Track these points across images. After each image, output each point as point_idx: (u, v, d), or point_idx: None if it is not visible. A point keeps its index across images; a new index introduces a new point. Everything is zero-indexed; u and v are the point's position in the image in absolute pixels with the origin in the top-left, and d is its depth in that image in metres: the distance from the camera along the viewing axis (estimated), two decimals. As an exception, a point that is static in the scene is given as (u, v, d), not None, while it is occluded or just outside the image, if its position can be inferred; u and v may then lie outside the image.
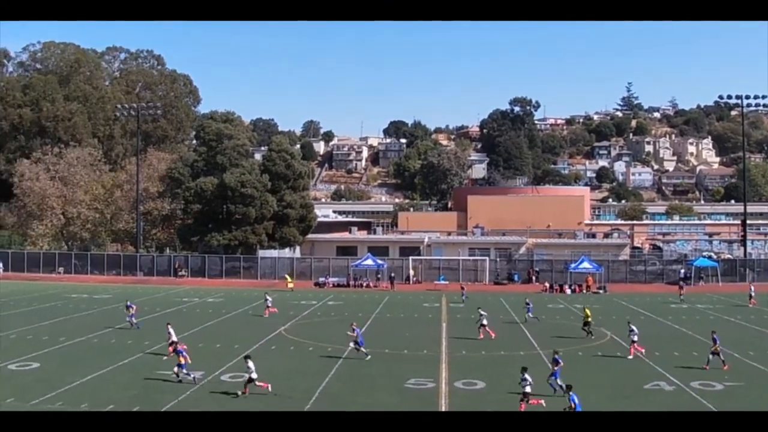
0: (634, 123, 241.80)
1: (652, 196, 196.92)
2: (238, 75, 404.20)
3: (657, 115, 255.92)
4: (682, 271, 69.44)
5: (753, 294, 53.57)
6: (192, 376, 26.46)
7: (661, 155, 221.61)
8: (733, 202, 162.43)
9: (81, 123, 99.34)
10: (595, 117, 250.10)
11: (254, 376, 24.80)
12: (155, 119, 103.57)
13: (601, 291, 63.58)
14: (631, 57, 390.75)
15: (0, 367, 29.21)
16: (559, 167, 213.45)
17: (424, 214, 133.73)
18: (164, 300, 55.56)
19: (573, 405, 20.75)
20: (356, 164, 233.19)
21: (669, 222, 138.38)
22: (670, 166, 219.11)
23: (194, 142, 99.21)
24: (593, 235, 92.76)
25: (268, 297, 47.16)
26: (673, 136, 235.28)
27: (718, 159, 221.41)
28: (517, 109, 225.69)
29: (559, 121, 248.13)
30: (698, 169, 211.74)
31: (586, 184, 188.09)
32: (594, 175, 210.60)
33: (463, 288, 56.96)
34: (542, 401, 22.98)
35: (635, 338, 32.58)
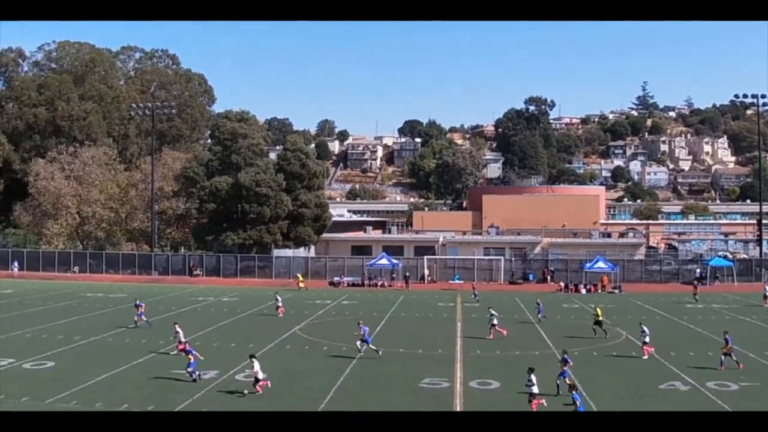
0: (649, 122, 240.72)
1: (667, 195, 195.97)
2: (253, 74, 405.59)
3: (672, 114, 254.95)
4: (698, 270, 69.08)
5: (768, 294, 53.24)
6: (195, 375, 26.61)
7: (676, 154, 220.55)
8: (748, 201, 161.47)
9: (96, 122, 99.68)
10: (611, 116, 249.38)
11: (260, 375, 24.86)
12: (170, 118, 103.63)
13: (616, 291, 63.22)
14: (646, 56, 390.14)
15: (15, 366, 29.40)
16: (575, 167, 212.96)
17: (439, 214, 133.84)
18: (179, 299, 55.67)
19: (576, 404, 20.83)
20: (371, 163, 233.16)
21: (684, 222, 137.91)
22: (685, 165, 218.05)
23: (209, 141, 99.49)
24: (608, 235, 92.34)
25: (278, 297, 47.27)
26: (689, 135, 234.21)
27: (733, 158, 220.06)
28: (532, 108, 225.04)
29: (574, 121, 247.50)
30: (714, 168, 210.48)
31: (601, 184, 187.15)
32: (609, 174, 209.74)
33: (474, 288, 56.90)
34: (543, 401, 23.02)
35: (647, 339, 32.67)
